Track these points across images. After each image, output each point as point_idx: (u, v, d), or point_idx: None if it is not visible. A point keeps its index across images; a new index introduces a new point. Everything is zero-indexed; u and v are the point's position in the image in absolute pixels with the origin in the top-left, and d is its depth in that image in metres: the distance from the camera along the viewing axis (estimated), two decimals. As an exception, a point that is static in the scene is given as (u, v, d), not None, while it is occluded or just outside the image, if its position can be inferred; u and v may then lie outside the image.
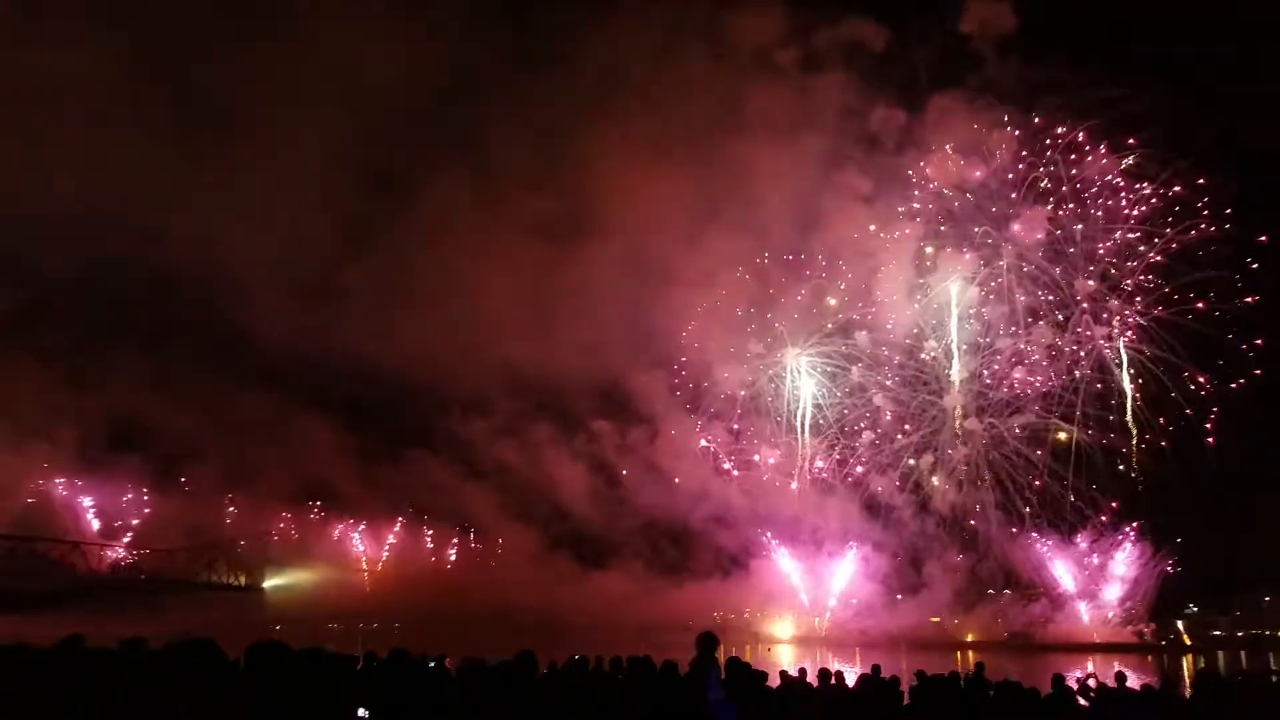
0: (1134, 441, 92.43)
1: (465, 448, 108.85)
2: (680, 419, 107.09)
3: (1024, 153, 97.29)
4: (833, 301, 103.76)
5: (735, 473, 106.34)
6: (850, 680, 16.03)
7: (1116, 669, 16.06)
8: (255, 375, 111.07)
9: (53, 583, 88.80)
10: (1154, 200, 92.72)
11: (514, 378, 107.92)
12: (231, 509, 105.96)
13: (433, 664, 17.63)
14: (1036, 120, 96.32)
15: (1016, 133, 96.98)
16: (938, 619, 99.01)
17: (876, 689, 15.59)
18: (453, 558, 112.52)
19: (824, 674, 16.13)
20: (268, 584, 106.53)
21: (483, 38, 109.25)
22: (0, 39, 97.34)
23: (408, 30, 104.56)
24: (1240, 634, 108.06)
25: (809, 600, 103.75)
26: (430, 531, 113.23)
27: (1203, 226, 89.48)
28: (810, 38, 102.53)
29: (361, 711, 7.81)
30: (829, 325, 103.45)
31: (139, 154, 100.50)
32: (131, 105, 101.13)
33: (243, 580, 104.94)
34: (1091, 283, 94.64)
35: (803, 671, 15.78)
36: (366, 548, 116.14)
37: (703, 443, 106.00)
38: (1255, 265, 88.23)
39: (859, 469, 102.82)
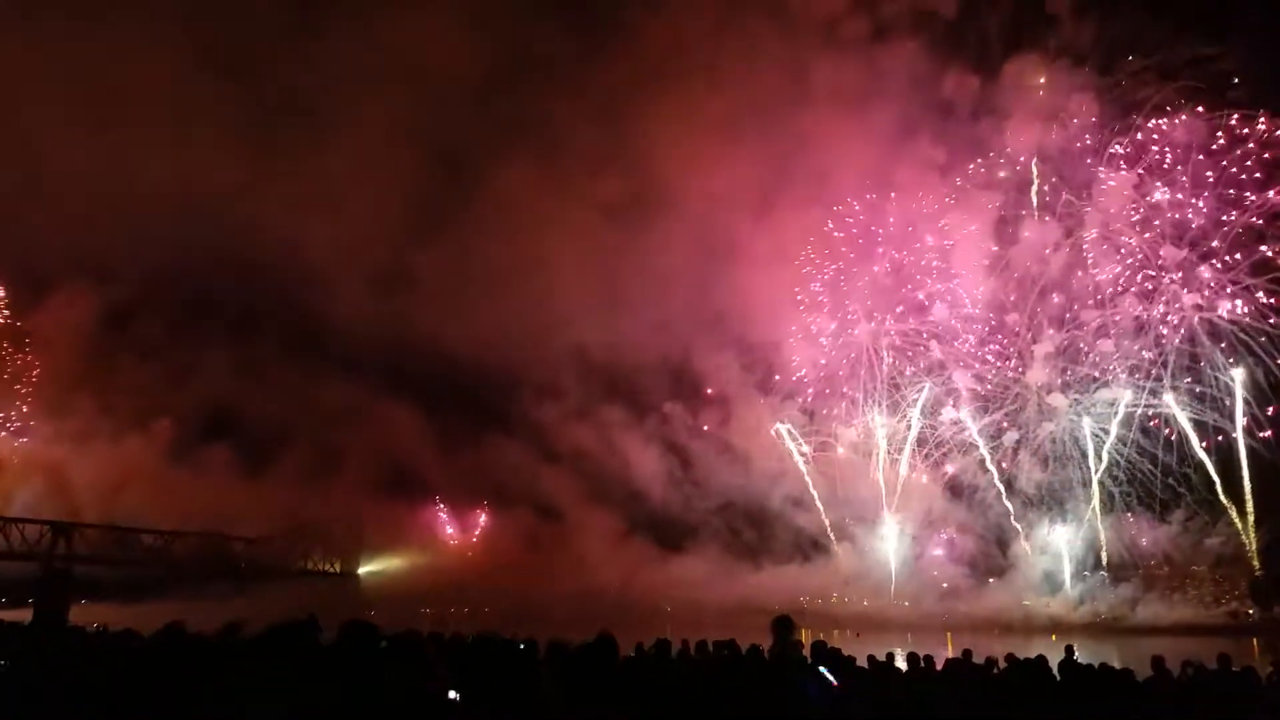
0: (1239, 422, 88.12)
1: (542, 432, 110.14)
2: (753, 399, 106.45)
3: (1106, 116, 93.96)
4: (908, 276, 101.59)
5: (810, 452, 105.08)
6: (939, 664, 15.82)
7: (1220, 653, 15.47)
8: (337, 363, 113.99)
9: (152, 571, 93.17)
10: (1248, 162, 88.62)
11: (586, 360, 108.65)
12: (324, 496, 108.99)
13: (522, 646, 17.99)
14: (1120, 82, 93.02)
15: (1097, 96, 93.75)
16: (1032, 602, 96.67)
17: (967, 673, 15.33)
18: (535, 541, 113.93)
19: (913, 658, 15.92)
20: (362, 570, 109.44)
21: (544, 17, 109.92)
22: (83, 45, 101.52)
23: (470, 13, 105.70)
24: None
25: (894, 584, 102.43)
26: (513, 516, 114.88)
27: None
28: (878, 6, 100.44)
29: (453, 694, 8.01)
30: (905, 300, 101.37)
31: (218, 149, 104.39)
32: (209, 103, 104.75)
33: (338, 566, 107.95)
34: (1181, 251, 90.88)
35: (890, 656, 15.60)
36: (454, 532, 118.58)
37: (777, 426, 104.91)
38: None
39: (939, 449, 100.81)
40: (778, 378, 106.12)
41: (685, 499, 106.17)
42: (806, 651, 12.30)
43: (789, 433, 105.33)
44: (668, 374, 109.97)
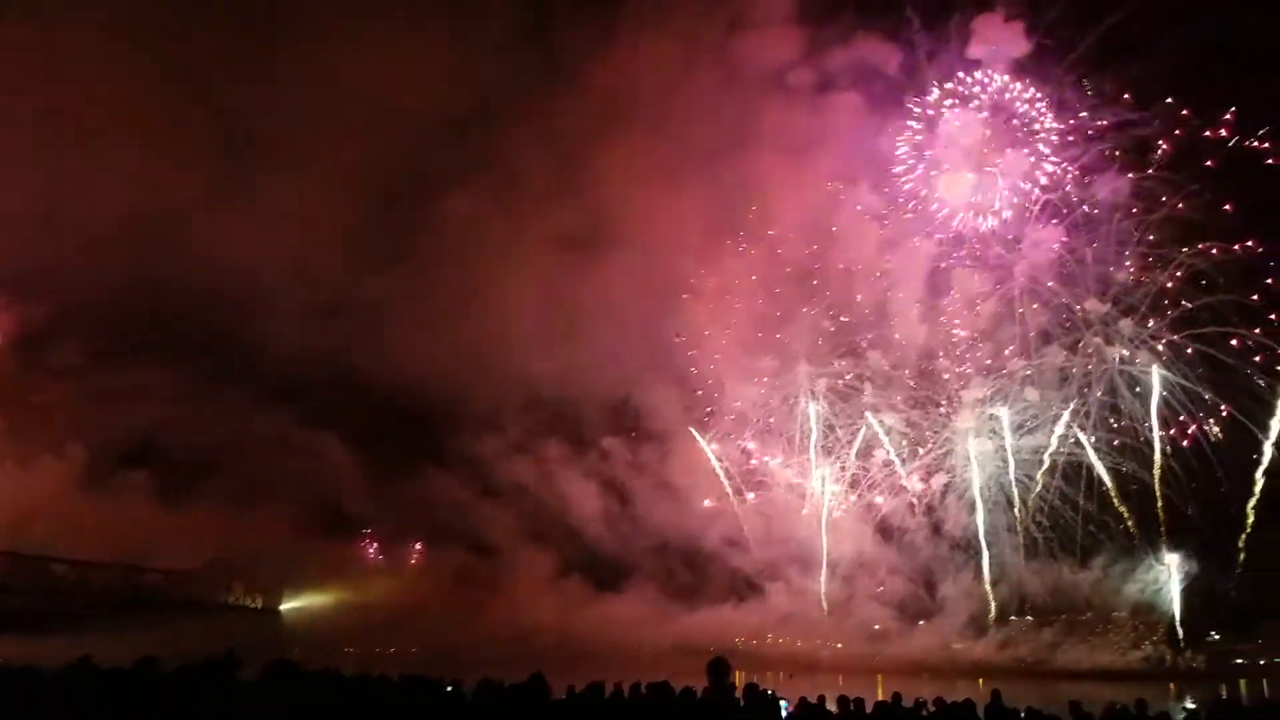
0: (1155, 469, 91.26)
1: (479, 466, 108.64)
2: (692, 437, 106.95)
3: (1036, 174, 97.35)
4: (845, 320, 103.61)
5: (750, 495, 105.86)
6: (869, 707, 15.88)
7: (1137, 698, 15.85)
8: (270, 392, 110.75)
9: (63, 602, 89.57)
10: (1163, 223, 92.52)
11: (527, 394, 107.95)
12: (248, 529, 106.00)
13: (450, 688, 17.63)
14: (1046, 140, 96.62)
15: (1028, 154, 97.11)
16: (960, 645, 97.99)
17: (898, 716, 15.44)
18: (468, 579, 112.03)
19: (843, 701, 15.99)
20: (284, 606, 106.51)
21: (506, 57, 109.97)
22: (31, 55, 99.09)
23: (431, 49, 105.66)
24: (1263, 662, 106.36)
25: (826, 625, 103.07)
26: (446, 552, 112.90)
27: (1214, 251, 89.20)
28: (823, 59, 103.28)
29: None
30: (842, 344, 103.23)
31: (157, 171, 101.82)
32: (153, 123, 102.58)
33: (259, 602, 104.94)
34: (1103, 305, 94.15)
35: (822, 699, 15.65)
36: (384, 569, 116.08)
37: (714, 462, 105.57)
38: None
39: (871, 490, 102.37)
40: (712, 413, 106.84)
41: (622, 538, 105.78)
42: (740, 694, 12.25)
43: (725, 471, 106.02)
44: (609, 410, 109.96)
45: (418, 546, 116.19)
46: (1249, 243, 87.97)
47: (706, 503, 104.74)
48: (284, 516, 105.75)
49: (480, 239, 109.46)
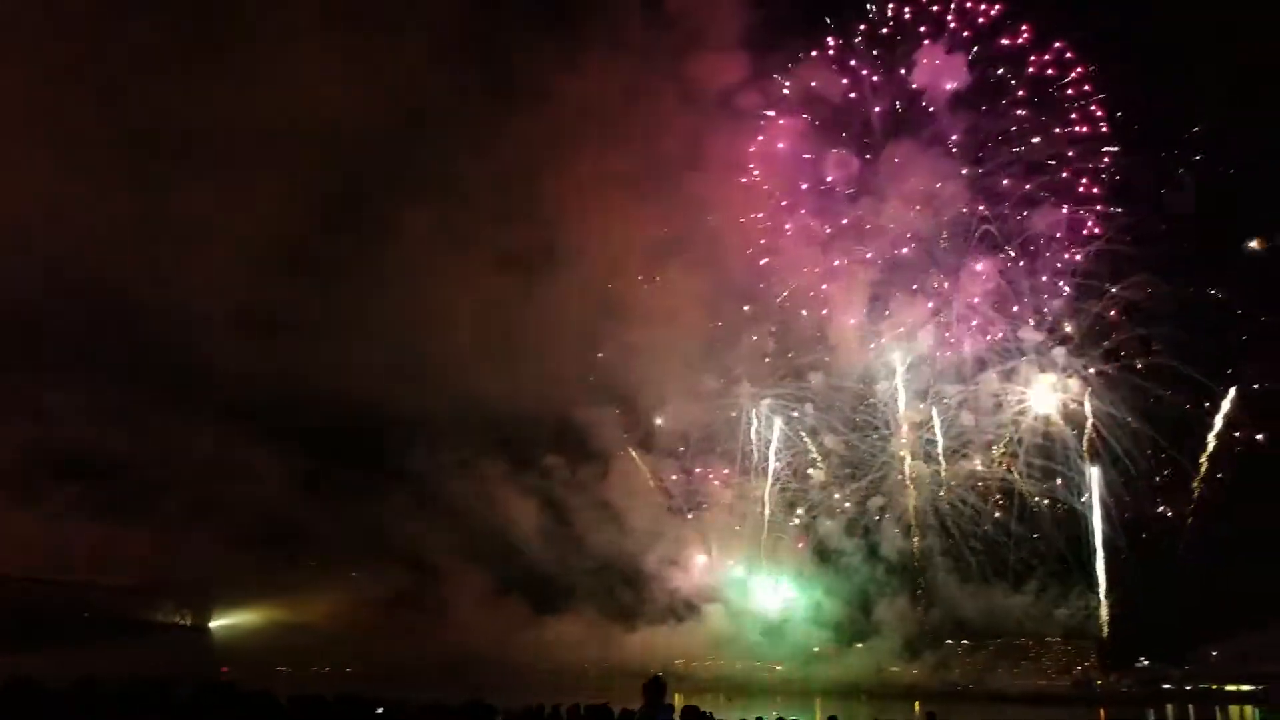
0: (1095, 495, 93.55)
1: (418, 484, 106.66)
2: (633, 457, 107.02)
3: (975, 204, 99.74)
4: (787, 341, 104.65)
5: (689, 515, 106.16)
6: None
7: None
8: (205, 407, 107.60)
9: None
10: (1098, 255, 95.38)
11: (470, 412, 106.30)
12: (179, 545, 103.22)
13: (381, 710, 17.45)
14: (984, 173, 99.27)
15: (968, 185, 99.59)
16: (897, 668, 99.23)
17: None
18: (405, 598, 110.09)
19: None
20: (214, 624, 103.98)
21: (453, 72, 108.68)
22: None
23: (377, 62, 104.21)
24: (1189, 687, 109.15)
25: (764, 647, 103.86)
26: (383, 571, 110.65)
27: (1147, 290, 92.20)
28: (770, 84, 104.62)
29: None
30: (783, 366, 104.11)
31: (88, 176, 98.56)
32: (79, 125, 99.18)
33: (189, 619, 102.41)
34: (1038, 334, 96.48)
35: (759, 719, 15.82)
36: (319, 588, 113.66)
37: (654, 482, 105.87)
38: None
39: (808, 512, 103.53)
40: (653, 433, 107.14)
41: (561, 558, 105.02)
42: (677, 715, 12.38)
43: (666, 491, 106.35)
44: (549, 428, 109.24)
45: (353, 564, 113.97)
46: (1180, 277, 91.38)
47: (646, 523, 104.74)
48: (218, 532, 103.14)
49: (423, 255, 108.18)
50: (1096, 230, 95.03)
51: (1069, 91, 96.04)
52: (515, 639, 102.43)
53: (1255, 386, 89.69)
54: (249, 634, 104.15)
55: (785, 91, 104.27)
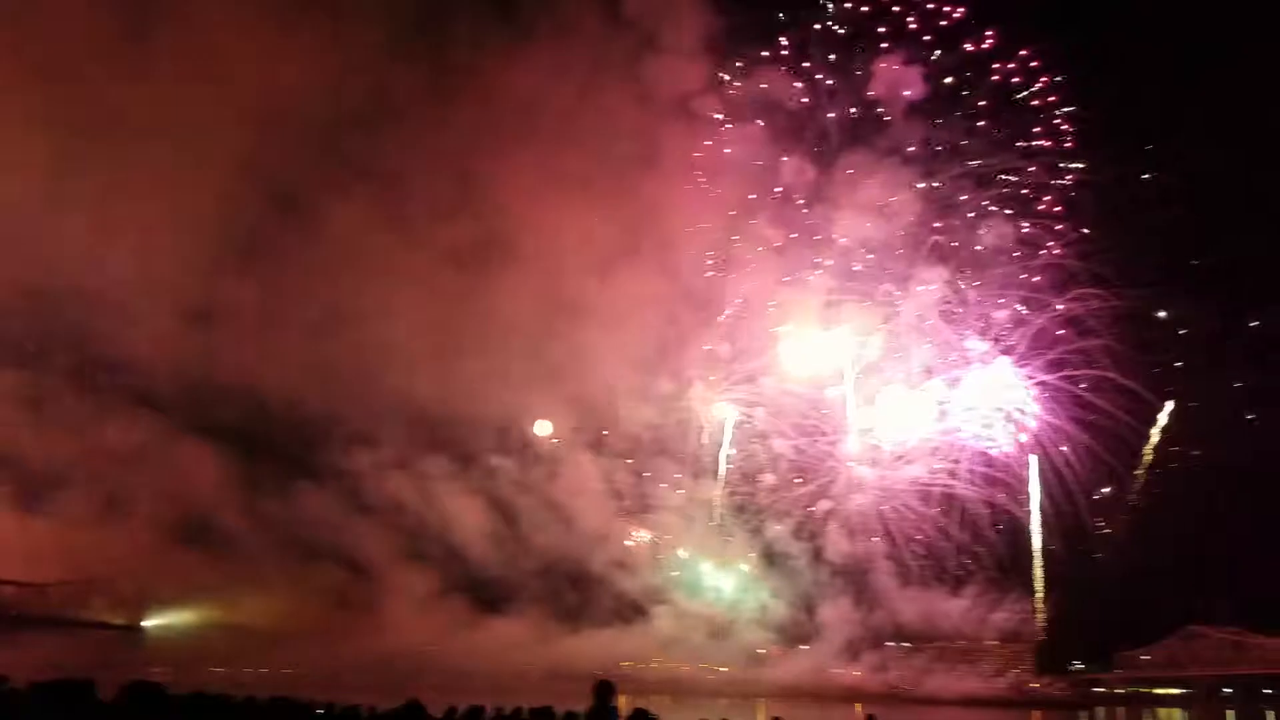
0: (1035, 503, 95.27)
1: (358, 482, 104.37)
2: (582, 458, 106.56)
3: (927, 215, 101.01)
4: (740, 346, 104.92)
5: (640, 517, 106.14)
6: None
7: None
8: (134, 399, 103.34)
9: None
10: (1044, 269, 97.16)
11: (413, 409, 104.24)
12: (109, 542, 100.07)
13: (321, 711, 17.02)
14: (938, 185, 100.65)
15: (920, 196, 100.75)
16: (838, 669, 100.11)
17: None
18: (343, 598, 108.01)
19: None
20: (148, 623, 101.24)
21: (402, 63, 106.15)
22: None
23: (322, 52, 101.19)
24: (1121, 690, 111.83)
25: (710, 649, 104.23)
26: (321, 570, 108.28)
27: (1096, 301, 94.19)
28: (728, 89, 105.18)
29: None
30: (735, 371, 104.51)
31: (15, 159, 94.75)
32: (9, 105, 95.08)
33: (120, 618, 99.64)
34: (983, 344, 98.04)
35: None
36: (255, 587, 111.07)
37: (599, 485, 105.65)
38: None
39: (757, 514, 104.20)
40: (604, 434, 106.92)
41: (506, 559, 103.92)
42: (623, 718, 12.18)
43: (616, 492, 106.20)
44: (496, 428, 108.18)
45: (290, 562, 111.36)
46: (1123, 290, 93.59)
47: (595, 524, 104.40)
48: (148, 530, 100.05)
49: (364, 248, 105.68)
50: (1048, 244, 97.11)
51: (1034, 102, 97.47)
52: (456, 640, 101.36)
53: (1191, 404, 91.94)
54: (184, 634, 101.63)
55: (739, 95, 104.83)
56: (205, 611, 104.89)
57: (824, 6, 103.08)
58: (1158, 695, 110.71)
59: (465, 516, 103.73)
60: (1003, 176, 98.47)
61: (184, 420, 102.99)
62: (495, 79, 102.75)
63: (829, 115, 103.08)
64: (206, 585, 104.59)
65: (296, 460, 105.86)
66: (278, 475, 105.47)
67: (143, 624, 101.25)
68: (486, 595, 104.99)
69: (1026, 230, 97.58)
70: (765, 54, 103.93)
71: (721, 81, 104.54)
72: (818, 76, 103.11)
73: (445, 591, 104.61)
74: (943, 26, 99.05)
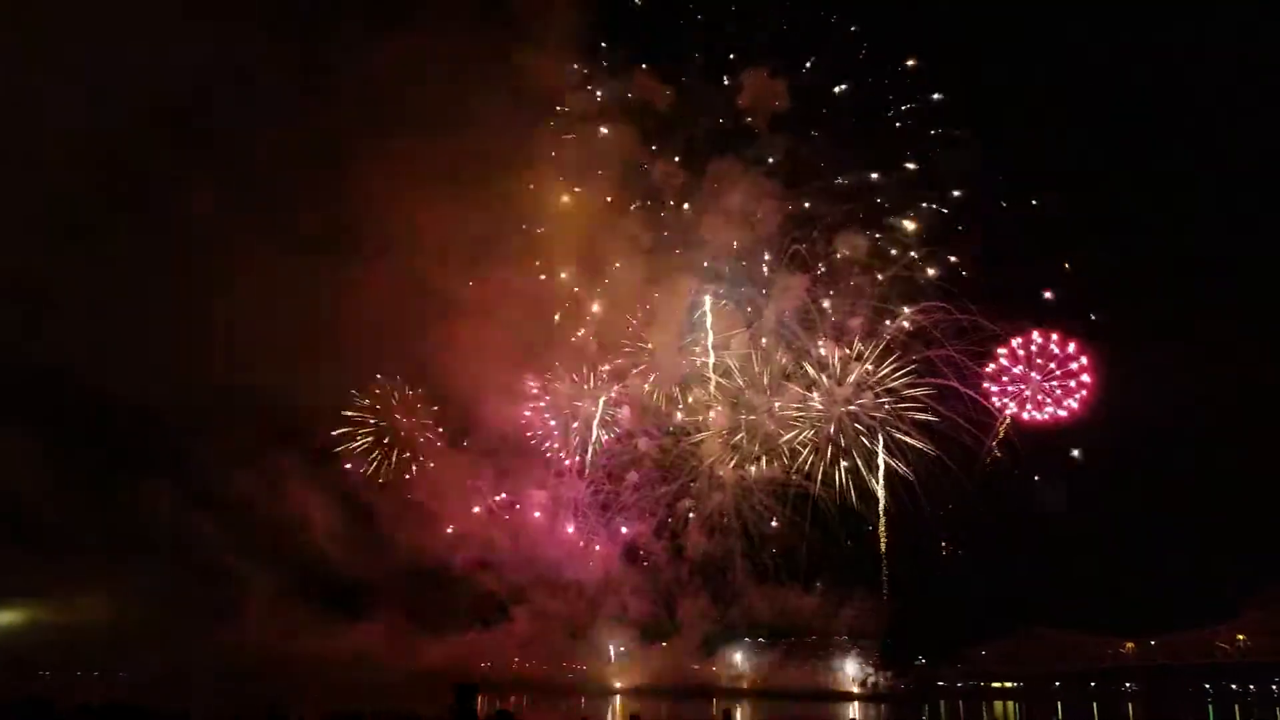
0: (881, 505, 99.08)
1: (199, 478, 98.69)
2: (443, 455, 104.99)
3: (789, 223, 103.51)
4: (606, 346, 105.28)
5: (505, 516, 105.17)
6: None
7: (853, 716, 17.14)
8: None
9: None
10: (894, 280, 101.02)
11: (261, 402, 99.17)
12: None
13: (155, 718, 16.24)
14: (800, 196, 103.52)
15: (781, 206, 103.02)
16: (696, 666, 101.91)
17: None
18: (183, 600, 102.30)
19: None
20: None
21: (259, 44, 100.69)
22: None
23: (172, 26, 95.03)
24: (961, 685, 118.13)
25: (569, 648, 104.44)
26: (157, 569, 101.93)
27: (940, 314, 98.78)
28: (600, 87, 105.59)
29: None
30: (604, 370, 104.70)
31: None
32: None
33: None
34: (837, 352, 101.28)
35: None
36: (87, 587, 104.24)
37: (462, 483, 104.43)
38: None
39: (621, 514, 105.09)
40: (474, 436, 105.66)
41: (362, 559, 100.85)
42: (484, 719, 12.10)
43: (479, 492, 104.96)
44: (352, 422, 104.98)
45: (124, 561, 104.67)
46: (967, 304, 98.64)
47: (456, 524, 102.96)
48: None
49: (212, 232, 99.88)
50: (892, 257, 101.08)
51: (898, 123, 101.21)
52: (308, 644, 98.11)
53: (1025, 416, 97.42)
54: (9, 636, 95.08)
55: (610, 95, 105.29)
56: (32, 612, 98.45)
57: (695, 13, 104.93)
58: (995, 689, 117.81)
59: (317, 515, 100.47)
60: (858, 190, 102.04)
61: (3, 408, 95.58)
62: (359, 65, 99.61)
63: (700, 122, 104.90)
64: (32, 584, 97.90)
65: (134, 452, 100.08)
66: (112, 468, 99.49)
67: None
68: (341, 597, 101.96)
69: (878, 242, 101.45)
70: (636, 55, 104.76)
71: (592, 80, 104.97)
72: (685, 80, 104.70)
73: (297, 593, 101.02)
74: (811, 41, 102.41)
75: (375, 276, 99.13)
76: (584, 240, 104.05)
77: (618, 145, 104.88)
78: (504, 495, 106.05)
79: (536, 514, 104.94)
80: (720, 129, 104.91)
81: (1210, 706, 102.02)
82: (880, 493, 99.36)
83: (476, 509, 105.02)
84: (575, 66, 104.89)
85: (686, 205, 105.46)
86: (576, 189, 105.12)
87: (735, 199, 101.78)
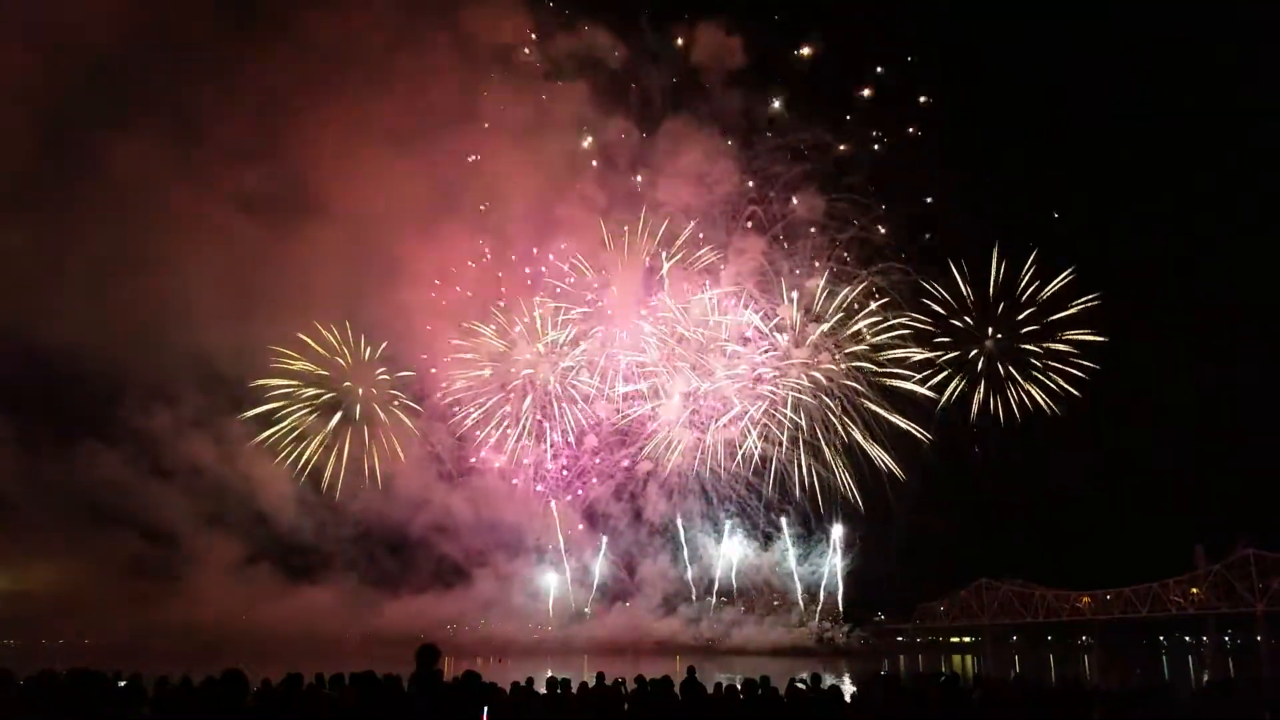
0: (841, 465, 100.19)
1: (151, 443, 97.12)
2: (399, 420, 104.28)
3: (746, 184, 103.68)
4: (563, 310, 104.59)
5: (458, 476, 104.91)
6: (574, 687, 16.56)
7: (811, 672, 17.55)
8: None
9: None
10: (851, 242, 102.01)
11: (209, 368, 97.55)
12: None
13: (125, 683, 16.10)
14: (755, 156, 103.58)
15: (738, 166, 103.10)
16: (658, 624, 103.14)
17: (599, 695, 16.11)
18: (141, 566, 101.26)
19: (551, 682, 16.54)
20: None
21: None
22: None
23: None
24: (919, 639, 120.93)
25: (535, 609, 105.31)
26: (114, 536, 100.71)
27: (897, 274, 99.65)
28: (550, 43, 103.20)
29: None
30: (562, 333, 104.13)
31: None
32: None
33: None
34: (794, 313, 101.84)
35: (530, 680, 15.90)
36: (44, 554, 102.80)
37: (418, 447, 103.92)
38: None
39: (581, 476, 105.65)
40: (425, 397, 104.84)
41: (318, 524, 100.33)
42: (450, 681, 12.16)
43: (436, 456, 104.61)
44: (304, 386, 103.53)
45: (81, 530, 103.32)
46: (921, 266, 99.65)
47: (411, 488, 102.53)
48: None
49: (151, 192, 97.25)
50: (854, 219, 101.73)
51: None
52: (266, 609, 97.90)
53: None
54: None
55: (562, 52, 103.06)
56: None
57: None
58: (952, 643, 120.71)
59: (271, 480, 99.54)
60: (816, 149, 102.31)
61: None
62: (305, 19, 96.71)
63: (653, 80, 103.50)
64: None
65: (82, 419, 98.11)
66: (62, 435, 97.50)
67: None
68: (299, 562, 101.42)
69: (836, 204, 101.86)
70: (587, 11, 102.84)
71: (544, 36, 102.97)
72: (640, 35, 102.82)
73: (253, 558, 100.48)
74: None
75: (323, 238, 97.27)
76: (539, 201, 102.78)
77: (569, 102, 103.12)
78: (462, 459, 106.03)
79: (494, 475, 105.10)
80: (675, 86, 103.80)
81: (1164, 658, 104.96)
82: (834, 453, 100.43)
83: (436, 473, 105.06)
84: (526, 20, 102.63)
85: (641, 165, 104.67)
86: (528, 148, 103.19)
87: (690, 158, 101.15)
